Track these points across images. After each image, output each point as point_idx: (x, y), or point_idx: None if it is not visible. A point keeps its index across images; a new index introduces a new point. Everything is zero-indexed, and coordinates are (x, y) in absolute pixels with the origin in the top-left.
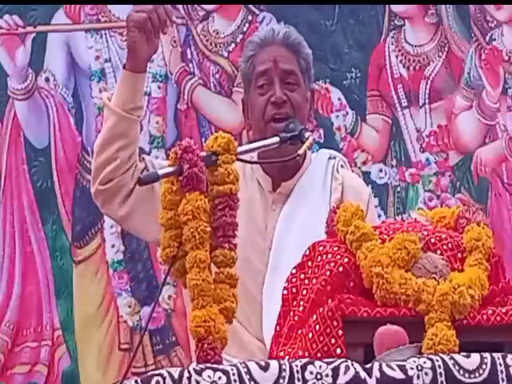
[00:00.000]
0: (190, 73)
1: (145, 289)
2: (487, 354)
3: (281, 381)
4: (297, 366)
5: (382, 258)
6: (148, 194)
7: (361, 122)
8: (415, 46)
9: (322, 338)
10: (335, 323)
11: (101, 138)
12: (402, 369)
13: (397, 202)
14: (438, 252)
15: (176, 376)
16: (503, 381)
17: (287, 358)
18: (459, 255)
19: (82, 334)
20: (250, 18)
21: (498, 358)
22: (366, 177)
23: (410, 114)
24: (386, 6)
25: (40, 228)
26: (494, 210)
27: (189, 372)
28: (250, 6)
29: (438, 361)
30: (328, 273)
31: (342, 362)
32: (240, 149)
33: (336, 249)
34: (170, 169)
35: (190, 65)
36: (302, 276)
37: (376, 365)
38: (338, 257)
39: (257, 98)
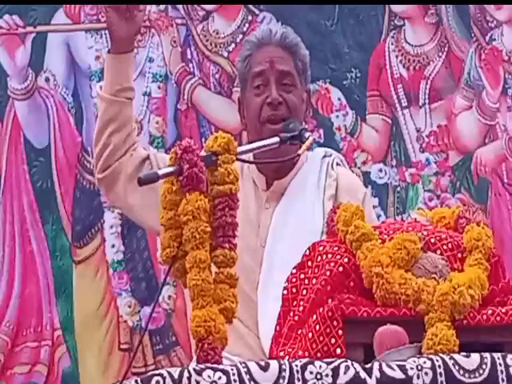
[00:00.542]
0: (190, 73)
1: (145, 289)
2: (487, 354)
3: (281, 381)
4: (297, 365)
5: (381, 258)
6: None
7: (361, 122)
8: (415, 45)
9: (321, 338)
10: (335, 323)
11: (96, 128)
12: (402, 369)
13: (397, 202)
14: (438, 252)
15: (176, 376)
16: (503, 381)
17: (287, 357)
18: (459, 255)
19: (82, 334)
20: (249, 18)
21: (498, 358)
22: (366, 177)
23: (409, 114)
24: (386, 6)
25: (40, 228)
26: (493, 209)
27: (189, 372)
28: (250, 6)
29: (437, 361)
30: (328, 273)
31: (342, 362)
32: (240, 149)
33: (336, 249)
34: (170, 169)
35: (190, 65)
36: (302, 276)
37: (376, 365)
38: (338, 257)
39: (253, 98)
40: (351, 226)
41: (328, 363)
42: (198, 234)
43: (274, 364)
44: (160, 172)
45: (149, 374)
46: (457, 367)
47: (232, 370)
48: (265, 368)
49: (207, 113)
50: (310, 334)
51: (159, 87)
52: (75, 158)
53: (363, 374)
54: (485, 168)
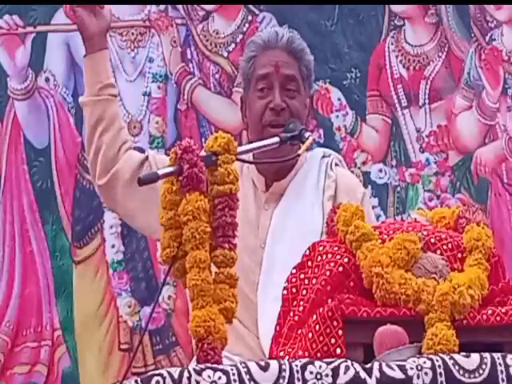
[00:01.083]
0: (190, 73)
1: (145, 289)
2: (487, 354)
3: (281, 381)
4: (297, 366)
5: (381, 258)
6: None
7: (361, 122)
8: (415, 46)
9: (321, 338)
10: (335, 323)
11: (86, 135)
12: (402, 369)
13: (397, 202)
14: (438, 252)
15: (176, 376)
16: (503, 381)
17: (287, 357)
18: (459, 255)
19: (82, 334)
20: (249, 18)
21: (498, 358)
22: (366, 177)
23: (409, 114)
24: (386, 6)
25: (40, 228)
26: (493, 209)
27: (189, 372)
28: (250, 6)
29: (437, 361)
30: (328, 273)
31: (342, 362)
32: (240, 149)
33: (336, 249)
34: (170, 169)
35: (190, 65)
36: (302, 276)
37: (376, 365)
38: (338, 257)
39: (256, 100)
40: (351, 226)
41: (328, 363)
42: (197, 234)
43: (273, 364)
44: (160, 172)
45: (149, 374)
46: (457, 367)
47: (232, 369)
48: (265, 368)
49: (207, 113)
50: (310, 334)
51: (159, 87)
52: (75, 157)
53: (363, 374)
54: (485, 168)
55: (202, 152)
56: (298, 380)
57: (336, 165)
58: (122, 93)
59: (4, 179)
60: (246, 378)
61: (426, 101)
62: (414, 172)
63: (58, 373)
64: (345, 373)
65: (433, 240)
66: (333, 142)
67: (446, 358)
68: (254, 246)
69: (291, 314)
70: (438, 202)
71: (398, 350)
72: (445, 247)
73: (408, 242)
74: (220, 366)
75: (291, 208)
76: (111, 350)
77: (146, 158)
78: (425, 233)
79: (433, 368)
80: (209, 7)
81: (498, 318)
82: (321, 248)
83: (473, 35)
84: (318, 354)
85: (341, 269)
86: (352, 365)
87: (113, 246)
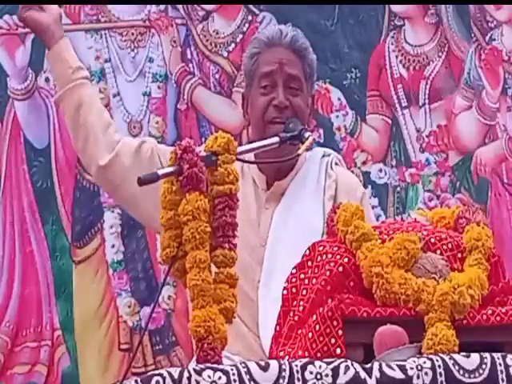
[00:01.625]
0: (190, 73)
1: (145, 289)
2: (487, 354)
3: (281, 381)
4: (297, 366)
5: (381, 258)
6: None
7: (361, 122)
8: (415, 46)
9: (321, 338)
10: (335, 323)
11: (69, 128)
12: (402, 369)
13: (397, 202)
14: (438, 252)
15: (176, 376)
16: (503, 381)
17: (287, 357)
18: (459, 255)
19: (82, 334)
20: (249, 18)
21: (498, 358)
22: (366, 177)
23: (409, 114)
24: (386, 6)
25: (40, 228)
26: (493, 209)
27: (189, 372)
28: (250, 6)
29: (437, 361)
30: (328, 273)
31: (342, 362)
32: (240, 149)
33: (336, 249)
34: (170, 169)
35: (190, 65)
36: (302, 276)
37: (376, 365)
38: (338, 257)
39: (258, 97)
40: (351, 225)
41: (328, 363)
42: (197, 234)
43: (273, 364)
44: (160, 172)
45: (149, 374)
46: (457, 367)
47: (232, 369)
48: (265, 368)
49: (207, 113)
50: (310, 334)
51: (159, 87)
52: (75, 157)
53: (363, 374)
54: (485, 168)
55: (201, 152)
56: (298, 380)
57: (336, 164)
58: (122, 93)
59: (4, 179)
60: (246, 377)
61: (426, 101)
62: (413, 172)
63: (58, 373)
64: (345, 373)
65: (433, 240)
66: (333, 142)
67: (446, 357)
68: (254, 245)
69: (291, 313)
70: (438, 202)
71: (398, 350)
72: (445, 247)
73: (408, 242)
74: (220, 366)
75: (292, 207)
76: (111, 350)
77: (143, 141)
78: (425, 233)
79: (433, 368)
80: (209, 7)
81: (498, 318)
82: (321, 248)
83: (473, 35)
84: (318, 354)
85: (341, 269)
86: (352, 365)
87: (113, 246)
